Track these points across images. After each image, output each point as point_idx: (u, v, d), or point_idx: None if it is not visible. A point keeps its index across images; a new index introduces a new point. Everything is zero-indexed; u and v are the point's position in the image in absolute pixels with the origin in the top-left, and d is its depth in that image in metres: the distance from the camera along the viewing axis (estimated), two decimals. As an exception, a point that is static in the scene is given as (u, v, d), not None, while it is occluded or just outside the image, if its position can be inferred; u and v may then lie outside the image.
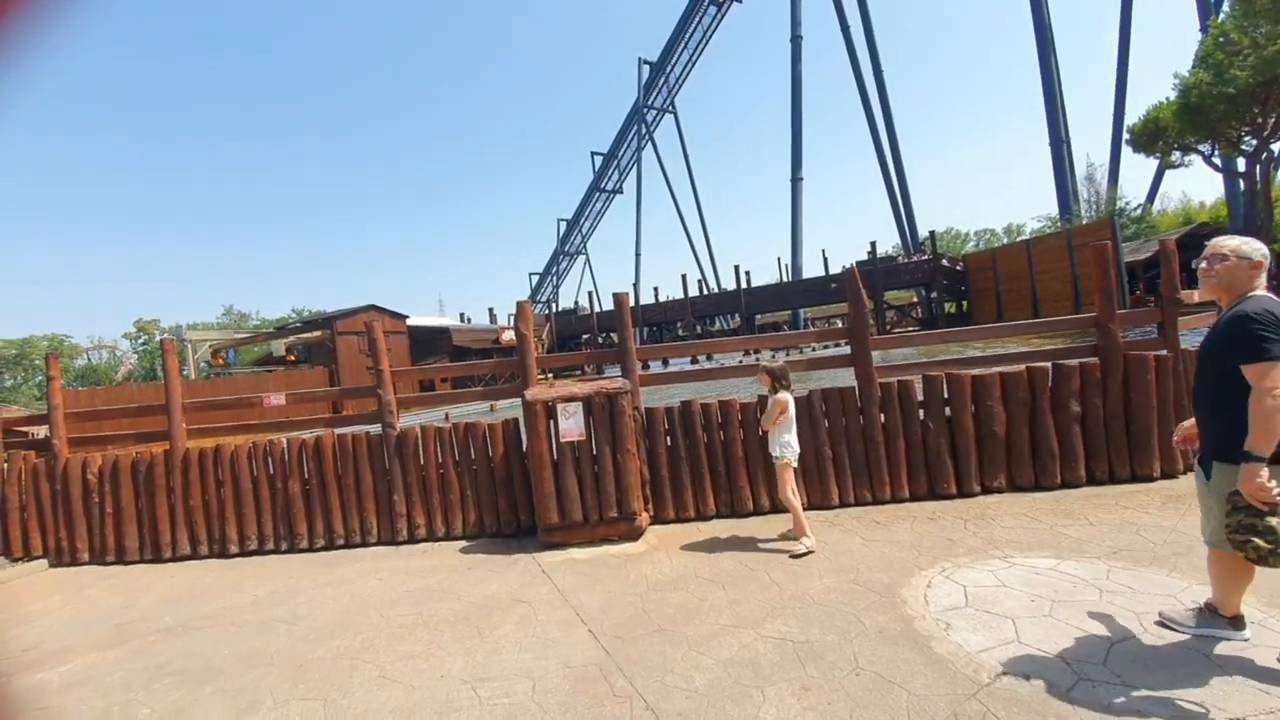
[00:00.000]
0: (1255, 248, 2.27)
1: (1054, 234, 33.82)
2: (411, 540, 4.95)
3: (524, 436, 4.62)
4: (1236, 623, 2.42)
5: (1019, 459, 4.58)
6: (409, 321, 30.78)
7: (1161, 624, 2.55)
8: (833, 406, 4.71)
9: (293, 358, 28.29)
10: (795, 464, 4.06)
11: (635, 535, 4.41)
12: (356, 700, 2.68)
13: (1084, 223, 33.63)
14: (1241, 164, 23.08)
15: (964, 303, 38.80)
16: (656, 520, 4.76)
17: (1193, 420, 2.45)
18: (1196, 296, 2.51)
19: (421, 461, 5.00)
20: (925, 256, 40.57)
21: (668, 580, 3.60)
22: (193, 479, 5.20)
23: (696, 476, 4.74)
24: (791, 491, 3.87)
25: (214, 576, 4.63)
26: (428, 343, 31.47)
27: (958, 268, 37.72)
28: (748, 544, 4.10)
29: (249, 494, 5.15)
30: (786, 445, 3.95)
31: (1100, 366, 4.53)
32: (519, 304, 5.00)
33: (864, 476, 4.68)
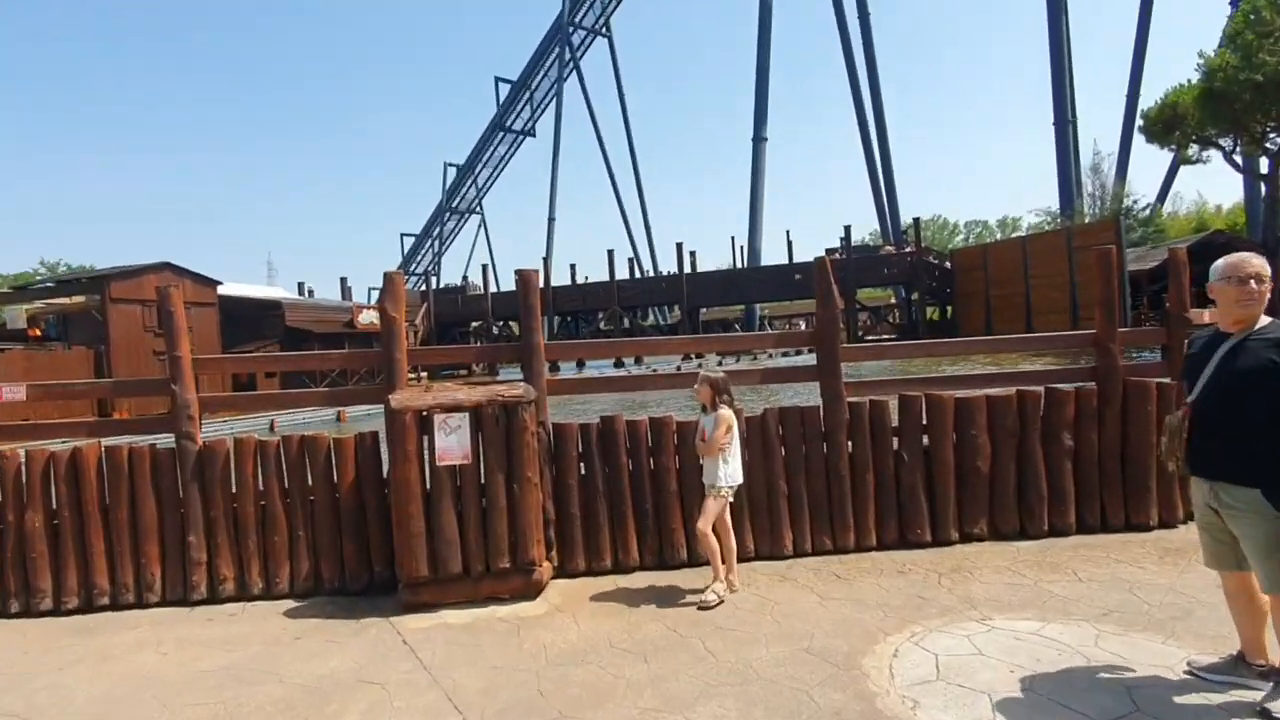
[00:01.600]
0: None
1: (1053, 232, 37.25)
2: (214, 599, 4.68)
3: (385, 457, 4.48)
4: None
5: (1003, 501, 4.99)
6: (222, 290, 28.91)
7: (1191, 674, 2.92)
8: (791, 430, 4.92)
9: (38, 331, 25.51)
10: (731, 499, 4.20)
11: (533, 592, 4.41)
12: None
13: (1086, 221, 37.31)
14: (1265, 165, 25.71)
15: (948, 307, 41.95)
16: (562, 572, 4.78)
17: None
18: (1207, 317, 2.88)
19: (234, 489, 4.74)
20: (908, 249, 43.47)
21: (573, 651, 3.63)
22: None
23: (617, 516, 4.80)
24: (713, 526, 4.06)
25: (-107, 654, 4.09)
26: (249, 322, 29.68)
27: (945, 265, 40.74)
28: (677, 602, 4.21)
29: (-43, 531, 4.60)
30: (728, 474, 4.09)
31: (1098, 393, 5.05)
32: (388, 276, 4.82)
33: (824, 519, 4.92)
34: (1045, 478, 4.99)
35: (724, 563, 4.25)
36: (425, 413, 4.35)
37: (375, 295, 60.02)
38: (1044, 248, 32.61)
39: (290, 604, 4.61)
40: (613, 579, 4.70)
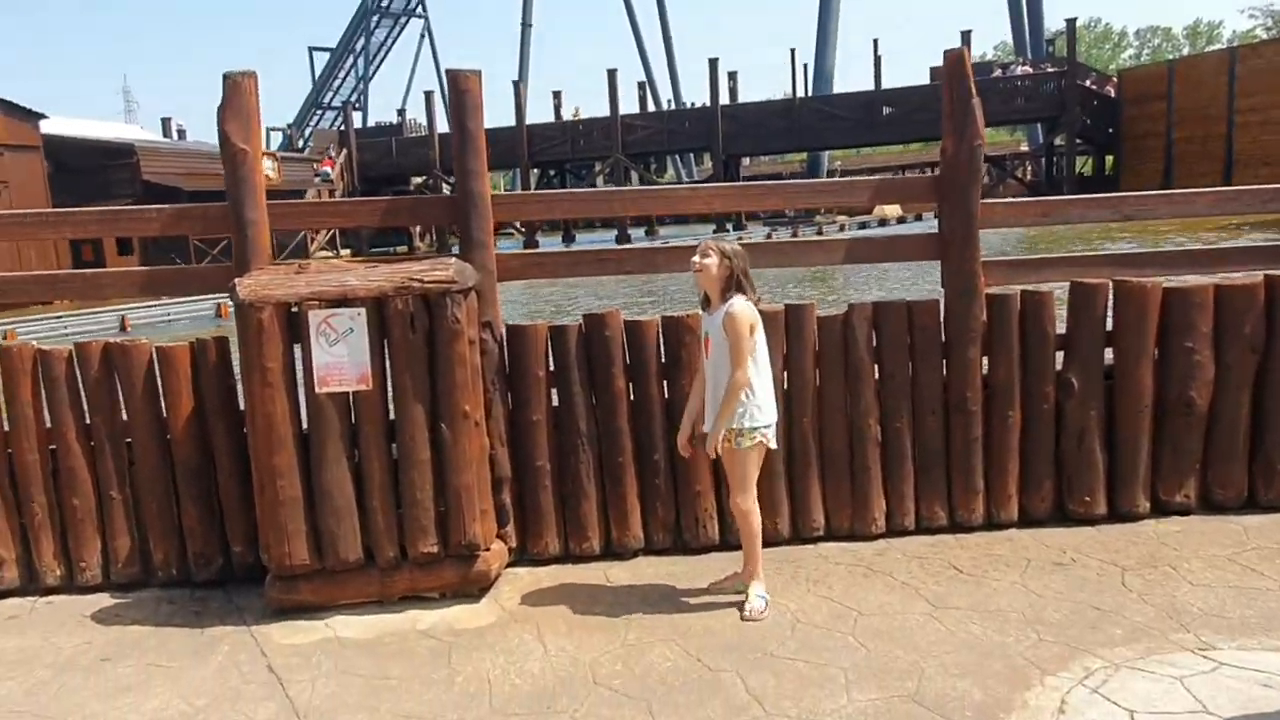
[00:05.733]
0: None
1: (1276, 41, 35.23)
2: (-18, 593, 4.48)
3: (240, 382, 4.15)
4: None
5: (1228, 453, 4.58)
6: (49, 127, 28.55)
7: None
8: (891, 340, 4.55)
9: None
10: (773, 444, 3.92)
11: (476, 589, 4.15)
12: None
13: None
14: None
15: (1106, 157, 40.55)
16: (524, 557, 4.55)
17: None
18: None
19: (6, 428, 4.39)
20: (1051, 69, 41.55)
21: (535, 693, 3.38)
22: None
23: (610, 471, 4.52)
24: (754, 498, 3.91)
25: None
26: (91, 173, 29.60)
27: (1107, 92, 39.00)
28: (702, 609, 3.95)
29: None
30: (760, 407, 3.78)
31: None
32: (229, 81, 4.15)
33: (938, 479, 4.61)
34: (1303, 417, 4.56)
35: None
36: (295, 308, 3.85)
37: (277, 139, 59.31)
38: (1262, 66, 30.88)
39: (105, 601, 4.42)
40: (602, 568, 4.46)
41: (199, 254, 25.60)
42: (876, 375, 4.53)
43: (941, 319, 4.52)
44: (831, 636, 3.60)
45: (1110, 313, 4.52)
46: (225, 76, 4.19)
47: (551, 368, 4.46)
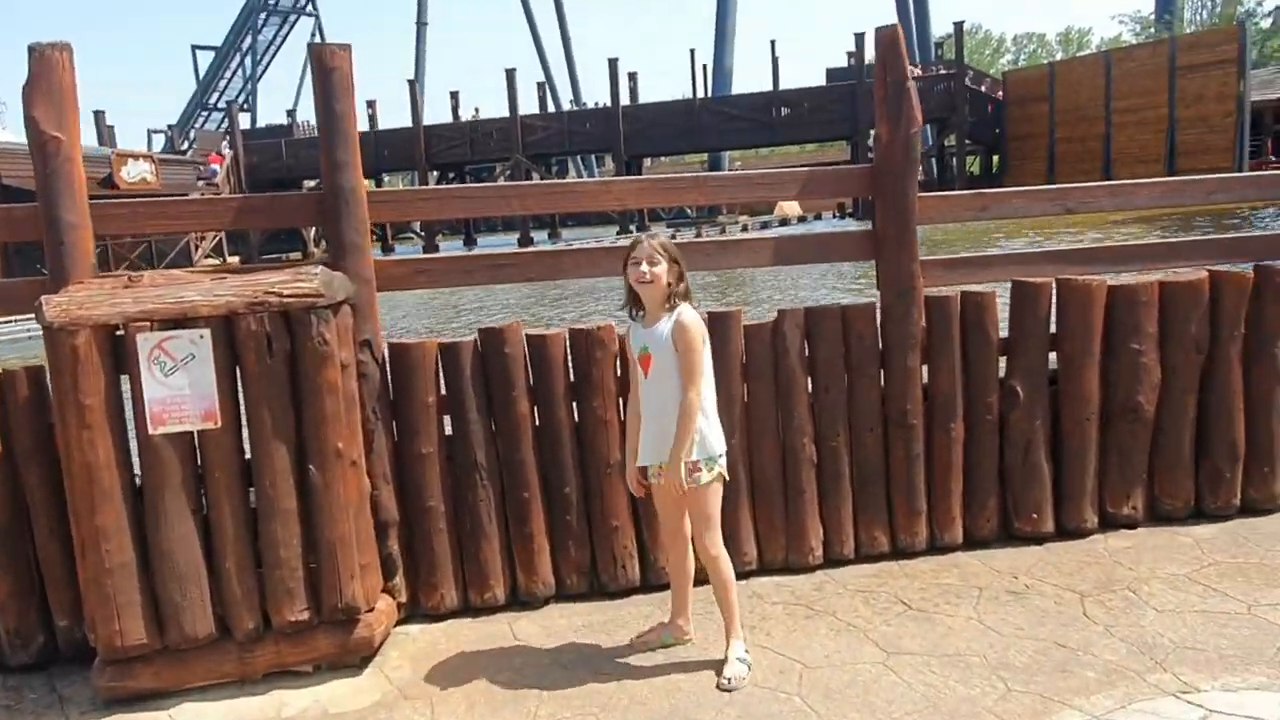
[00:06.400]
0: None
1: (1147, 45, 36.88)
2: None
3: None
4: None
5: (1172, 459, 4.38)
6: None
7: None
8: (825, 348, 4.14)
9: None
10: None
11: (358, 657, 3.56)
12: None
13: (1190, 31, 37.18)
14: None
15: (993, 156, 41.81)
16: (416, 612, 3.99)
17: None
18: None
19: None
20: (940, 70, 42.62)
21: None
22: None
23: (514, 510, 3.99)
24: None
25: None
26: None
27: (993, 94, 40.18)
28: (629, 675, 3.42)
29: None
30: (714, 435, 3.33)
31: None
32: (35, 53, 3.40)
33: (878, 501, 4.25)
34: (1244, 420, 4.37)
35: (680, 594, 3.57)
36: (122, 330, 3.16)
37: (160, 142, 56.23)
38: (1134, 69, 32.36)
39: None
40: (508, 620, 3.91)
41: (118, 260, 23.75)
42: (810, 389, 4.11)
43: (878, 321, 4.13)
44: (776, 699, 3.11)
45: (1055, 311, 4.24)
46: (31, 49, 3.43)
47: (443, 391, 3.88)
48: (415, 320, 20.09)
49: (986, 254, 4.47)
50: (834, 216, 44.74)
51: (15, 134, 47.28)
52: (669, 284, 3.20)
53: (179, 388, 3.18)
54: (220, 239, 33.84)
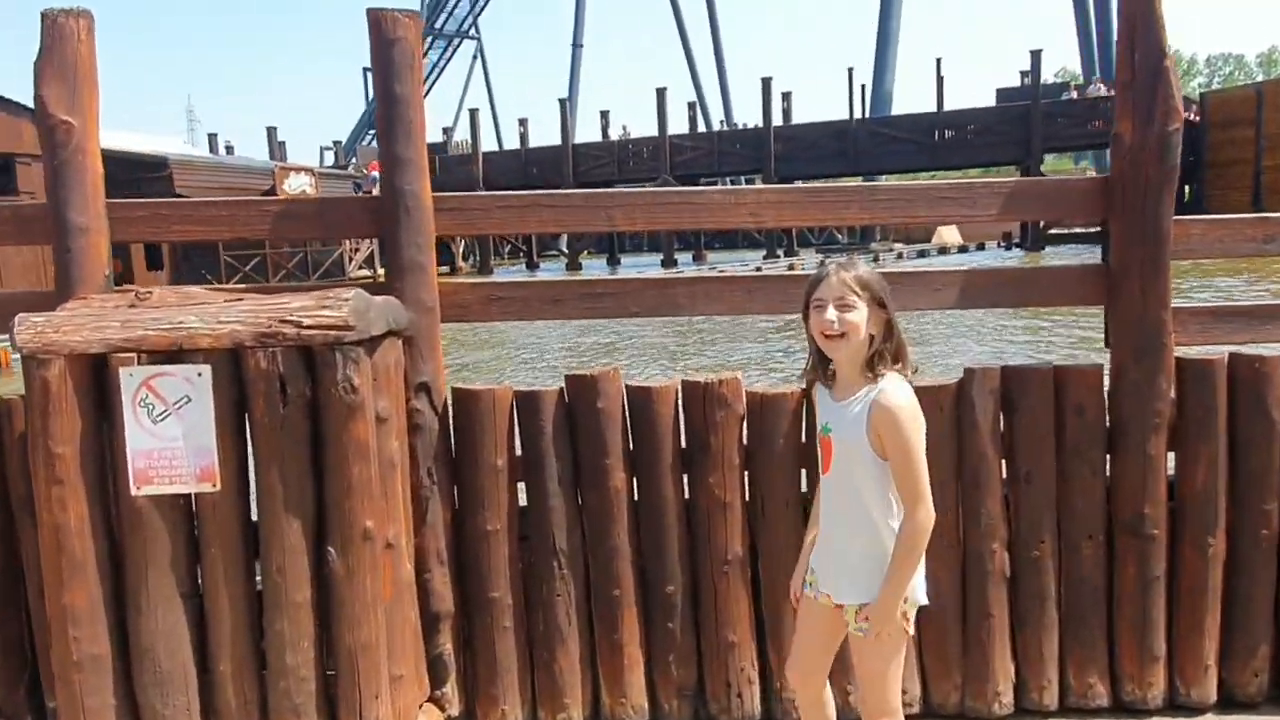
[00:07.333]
0: None
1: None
2: None
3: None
4: None
5: None
6: None
7: None
8: (1028, 426, 3.21)
9: None
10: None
11: None
12: None
13: None
14: None
15: (1186, 186, 38.43)
16: None
17: None
18: None
19: None
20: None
21: None
22: None
23: (601, 609, 3.23)
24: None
25: None
26: (121, 185, 28.94)
27: (1189, 116, 36.95)
28: None
29: None
30: (920, 572, 2.40)
31: None
32: (49, 21, 2.83)
33: (1095, 636, 3.28)
34: None
35: None
36: (102, 360, 2.55)
37: (329, 157, 59.77)
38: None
39: None
40: None
41: (229, 270, 24.83)
42: (1004, 476, 3.14)
43: (1106, 395, 3.07)
44: None
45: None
46: (44, 16, 2.86)
47: (518, 453, 3.13)
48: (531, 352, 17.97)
49: (1265, 305, 3.30)
50: (999, 246, 42.09)
51: (197, 145, 51.56)
52: (870, 337, 2.24)
53: (170, 438, 2.49)
54: (373, 250, 34.58)
